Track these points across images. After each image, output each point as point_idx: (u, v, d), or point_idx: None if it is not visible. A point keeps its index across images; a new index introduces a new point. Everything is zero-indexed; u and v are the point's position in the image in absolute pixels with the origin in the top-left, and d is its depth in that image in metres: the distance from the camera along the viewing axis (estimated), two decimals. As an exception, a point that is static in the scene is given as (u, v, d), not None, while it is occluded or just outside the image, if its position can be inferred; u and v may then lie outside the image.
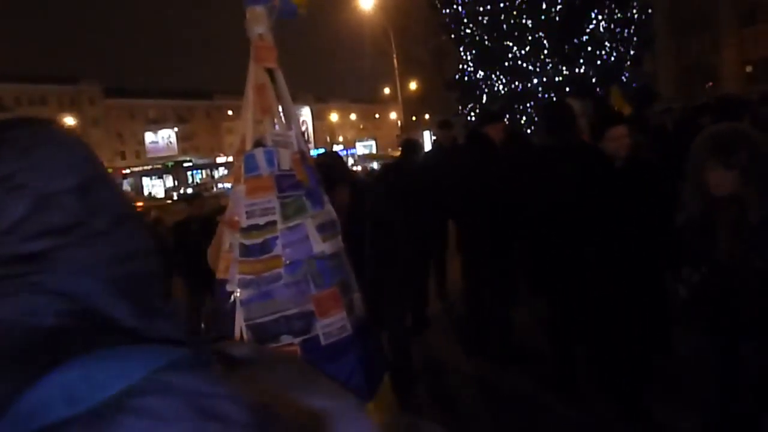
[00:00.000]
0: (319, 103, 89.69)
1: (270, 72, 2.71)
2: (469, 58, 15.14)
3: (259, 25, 2.70)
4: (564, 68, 13.48)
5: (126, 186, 64.48)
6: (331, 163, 3.86)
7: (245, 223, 2.56)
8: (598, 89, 12.92)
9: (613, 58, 13.50)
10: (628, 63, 13.66)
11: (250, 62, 2.70)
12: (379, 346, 2.76)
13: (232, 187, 2.77)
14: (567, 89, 13.11)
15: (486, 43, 14.45)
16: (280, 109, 2.74)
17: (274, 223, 2.54)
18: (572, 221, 3.76)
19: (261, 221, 2.55)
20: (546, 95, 13.42)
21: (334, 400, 0.82)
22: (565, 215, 3.79)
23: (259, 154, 2.59)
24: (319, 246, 2.57)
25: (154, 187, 68.62)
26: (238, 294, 2.51)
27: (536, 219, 3.98)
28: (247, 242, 2.54)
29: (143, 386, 0.57)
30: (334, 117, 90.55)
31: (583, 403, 3.95)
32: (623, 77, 13.38)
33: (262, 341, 2.44)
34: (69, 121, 63.33)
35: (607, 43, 13.53)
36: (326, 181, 2.97)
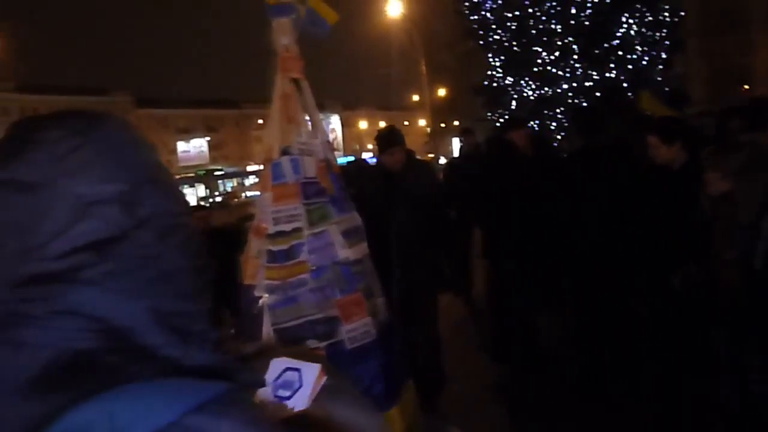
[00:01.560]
0: (348, 110, 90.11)
1: (296, 82, 2.77)
2: (497, 63, 15.07)
3: (284, 36, 2.76)
4: (594, 73, 13.34)
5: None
6: (358, 168, 3.95)
7: (272, 229, 2.62)
8: (629, 93, 12.75)
9: (644, 62, 13.32)
10: (660, 66, 13.46)
11: (276, 73, 2.77)
12: (403, 350, 2.78)
13: (259, 194, 2.83)
14: (597, 94, 12.96)
15: (514, 48, 14.37)
16: (306, 118, 2.80)
17: (299, 229, 2.59)
18: (603, 224, 3.74)
19: (287, 228, 2.60)
20: (576, 100, 13.29)
21: (359, 414, 0.83)
22: (595, 217, 3.78)
23: (286, 162, 2.65)
24: (344, 252, 2.61)
25: (187, 195, 69.57)
26: (265, 299, 2.57)
27: (565, 223, 3.98)
28: (274, 248, 2.60)
29: None
30: (362, 124, 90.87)
31: (609, 408, 3.91)
32: (655, 81, 13.20)
33: (288, 345, 2.49)
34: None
35: (637, 47, 13.35)
36: (353, 185, 3.03)
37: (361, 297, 2.60)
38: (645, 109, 6.80)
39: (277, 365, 0.83)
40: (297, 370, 0.81)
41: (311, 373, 0.80)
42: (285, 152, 2.72)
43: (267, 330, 2.52)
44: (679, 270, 3.35)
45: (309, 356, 0.89)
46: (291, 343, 2.48)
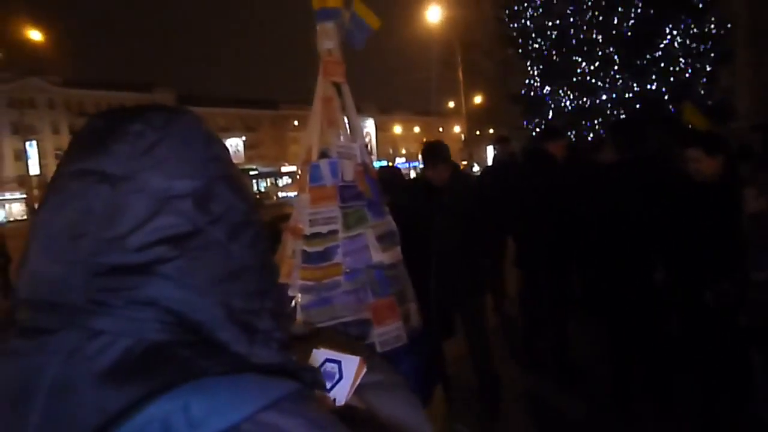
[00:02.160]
0: (383, 114, 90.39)
1: (337, 86, 2.80)
2: (535, 72, 14.97)
3: (328, 40, 2.79)
4: (635, 84, 13.15)
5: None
6: (391, 176, 3.98)
7: (308, 230, 2.65)
8: (670, 106, 12.54)
9: (687, 75, 13.08)
10: (704, 80, 13.20)
11: (318, 76, 2.80)
12: (433, 356, 2.79)
13: (296, 195, 2.86)
14: (637, 106, 12.77)
15: (554, 57, 14.26)
16: (346, 121, 2.82)
17: (335, 232, 2.61)
18: (637, 237, 3.70)
19: (323, 230, 2.62)
20: (615, 112, 13.12)
21: (406, 411, 0.83)
22: (631, 231, 3.73)
23: (324, 164, 2.68)
24: (378, 256, 2.63)
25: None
26: (298, 299, 2.59)
27: (600, 235, 3.94)
28: (309, 249, 2.63)
29: (248, 429, 0.56)
30: (397, 129, 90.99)
31: (639, 424, 3.85)
32: (698, 93, 12.95)
33: (320, 346, 2.51)
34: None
35: (681, 59, 13.12)
36: (386, 192, 3.04)
37: (393, 301, 2.61)
38: (688, 121, 6.68)
39: (318, 355, 0.85)
40: (338, 362, 0.82)
41: (351, 366, 0.81)
42: (324, 155, 2.74)
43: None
44: (713, 287, 3.30)
45: (353, 347, 0.89)
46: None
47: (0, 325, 0.68)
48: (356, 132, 2.85)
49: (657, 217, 3.64)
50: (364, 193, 2.71)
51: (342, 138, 2.77)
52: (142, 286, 0.63)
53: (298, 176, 2.92)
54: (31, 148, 62.89)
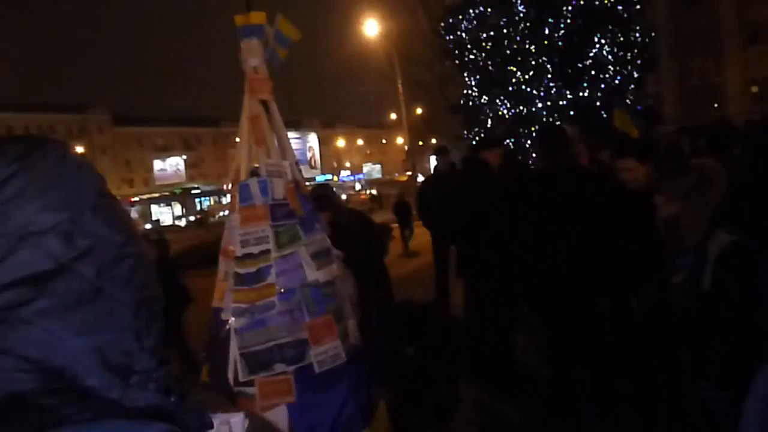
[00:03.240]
0: (326, 128, 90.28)
1: (265, 103, 2.76)
2: (473, 82, 15.25)
3: (253, 57, 2.76)
4: (568, 92, 13.55)
5: (134, 213, 64.89)
6: (323, 194, 3.98)
7: (240, 251, 2.59)
8: (602, 112, 12.96)
9: (616, 81, 13.56)
10: (632, 86, 13.72)
11: (245, 93, 2.75)
12: (374, 373, 2.76)
13: (227, 216, 2.80)
14: (571, 113, 13.16)
15: (489, 68, 14.56)
16: (275, 139, 2.78)
17: (267, 251, 2.57)
18: (566, 243, 3.76)
19: (255, 250, 2.57)
20: (550, 119, 13.48)
21: None
22: (559, 237, 3.80)
23: (253, 183, 2.63)
24: (313, 274, 2.59)
25: (163, 214, 69.01)
26: (232, 322, 2.53)
27: (532, 242, 3.99)
28: (242, 271, 2.57)
29: None
30: (341, 142, 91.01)
31: (583, 426, 3.91)
32: (627, 100, 13.44)
33: (256, 370, 2.45)
34: (77, 149, 64.05)
35: (610, 66, 13.59)
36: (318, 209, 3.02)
37: (330, 319, 2.58)
38: (618, 127, 6.89)
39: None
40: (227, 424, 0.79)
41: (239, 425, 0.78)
42: (254, 173, 2.70)
43: (234, 354, 2.48)
44: (637, 292, 3.39)
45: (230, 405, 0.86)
46: (259, 368, 2.44)
47: None
48: (286, 149, 2.82)
49: (585, 225, 3.71)
50: (296, 210, 2.67)
51: (272, 156, 2.73)
52: (1, 334, 0.58)
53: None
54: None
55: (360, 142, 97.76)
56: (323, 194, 3.90)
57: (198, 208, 68.50)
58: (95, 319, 0.62)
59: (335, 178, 77.79)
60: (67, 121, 72.68)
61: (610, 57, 13.57)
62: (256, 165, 2.71)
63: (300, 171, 2.85)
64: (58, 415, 0.55)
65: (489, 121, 14.83)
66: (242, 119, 2.75)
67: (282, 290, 2.52)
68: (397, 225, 13.35)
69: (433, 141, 35.94)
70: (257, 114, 2.71)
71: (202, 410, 0.66)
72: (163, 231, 20.32)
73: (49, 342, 0.59)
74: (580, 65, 13.51)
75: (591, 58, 13.51)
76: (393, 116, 48.10)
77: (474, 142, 14.61)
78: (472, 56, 14.76)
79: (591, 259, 3.74)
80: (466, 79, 15.34)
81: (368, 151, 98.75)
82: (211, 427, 0.63)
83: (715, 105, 32.44)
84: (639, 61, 13.77)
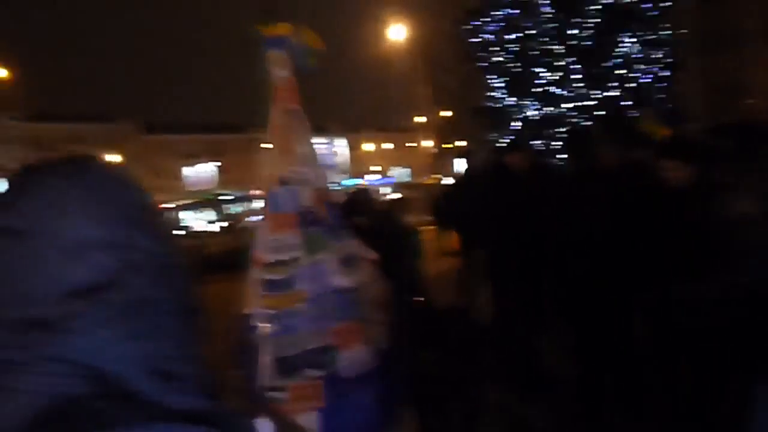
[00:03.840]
0: (354, 133, 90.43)
1: (291, 112, 2.81)
2: (498, 85, 15.19)
3: (279, 67, 2.81)
4: (594, 92, 13.42)
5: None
6: (359, 198, 4.02)
7: (270, 258, 2.64)
8: (630, 112, 12.81)
9: (643, 81, 13.40)
10: (659, 85, 13.54)
11: (272, 103, 2.81)
12: (400, 377, 2.78)
13: (257, 223, 2.86)
14: (598, 113, 13.03)
15: (515, 69, 14.50)
16: (302, 147, 2.83)
17: (296, 258, 2.61)
18: (594, 245, 3.75)
19: (285, 257, 2.62)
20: (577, 120, 13.37)
21: None
22: (587, 239, 3.78)
23: (282, 192, 2.69)
24: (341, 280, 2.63)
25: (192, 220, 69.95)
26: (262, 328, 2.58)
27: (559, 245, 3.98)
28: (272, 277, 2.62)
29: None
30: (368, 146, 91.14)
31: (610, 430, 3.87)
32: (654, 99, 13.27)
33: (286, 375, 2.50)
34: (110, 158, 65.29)
35: (637, 66, 13.44)
36: (350, 213, 3.07)
37: (358, 325, 2.61)
38: (644, 128, 6.82)
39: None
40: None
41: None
42: (282, 182, 2.75)
43: (264, 359, 2.53)
44: (691, 290, 3.32)
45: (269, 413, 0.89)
46: (289, 373, 2.49)
47: None
48: (312, 158, 2.86)
49: (620, 224, 3.68)
50: (324, 217, 2.72)
51: (299, 164, 2.78)
52: (54, 342, 0.63)
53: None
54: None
55: (387, 145, 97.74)
56: (359, 199, 3.95)
57: (226, 214, 69.27)
58: (142, 328, 0.67)
59: (363, 183, 77.89)
60: (98, 130, 74.08)
61: (636, 56, 13.43)
62: (284, 173, 2.76)
63: (326, 178, 2.89)
64: (108, 418, 0.59)
65: (515, 123, 14.76)
66: (269, 128, 2.80)
67: (311, 296, 2.57)
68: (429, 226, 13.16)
69: (458, 144, 35.87)
70: (284, 123, 2.77)
71: (243, 415, 0.71)
72: (200, 236, 20.53)
73: (99, 350, 0.64)
74: (606, 65, 13.38)
75: (617, 57, 13.38)
76: (419, 119, 48.08)
77: (498, 145, 14.59)
78: (497, 58, 14.72)
79: (620, 259, 3.71)
80: (491, 81, 15.29)
81: (396, 155, 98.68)
82: (251, 430, 0.66)
83: (748, 101, 31.74)
84: (666, 61, 13.59)
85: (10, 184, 0.72)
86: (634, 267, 3.73)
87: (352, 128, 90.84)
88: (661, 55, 13.58)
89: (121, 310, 0.66)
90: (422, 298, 4.65)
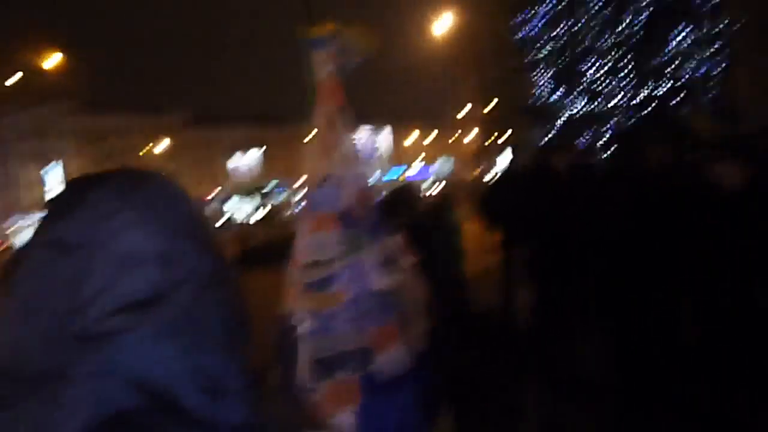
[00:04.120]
0: (396, 125, 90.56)
1: (336, 110, 2.81)
2: (544, 79, 14.98)
3: (324, 66, 2.81)
4: (643, 89, 13.09)
5: (209, 211, 67.05)
6: (402, 196, 4.00)
7: (308, 258, 2.65)
8: (680, 110, 12.46)
9: (694, 78, 13.00)
10: (711, 83, 13.11)
11: (316, 101, 2.81)
12: (438, 379, 2.77)
13: (298, 221, 2.87)
14: (646, 111, 12.71)
15: (562, 64, 14.26)
16: (345, 147, 2.83)
17: (335, 259, 2.61)
18: (640, 249, 3.66)
19: (323, 257, 2.63)
20: (624, 117, 13.07)
21: None
22: (634, 241, 3.70)
23: (323, 191, 2.69)
24: (379, 281, 2.62)
25: (236, 211, 70.97)
26: (301, 328, 2.59)
27: (603, 247, 3.90)
28: (310, 277, 2.63)
29: None
30: (410, 139, 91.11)
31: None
32: (706, 97, 12.86)
33: (323, 375, 2.51)
34: (158, 148, 66.85)
35: (690, 62, 13.04)
36: (393, 212, 3.06)
37: (396, 327, 2.60)
38: (696, 127, 6.62)
39: None
40: None
41: None
42: (323, 181, 2.75)
43: (303, 361, 2.55)
44: (743, 297, 3.22)
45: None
46: (326, 374, 2.50)
47: None
48: (355, 157, 2.86)
49: (676, 230, 3.57)
50: (364, 218, 2.71)
51: (341, 163, 2.78)
52: (108, 356, 0.63)
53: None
54: (48, 175, 63.95)
55: (429, 139, 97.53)
56: (403, 197, 3.94)
57: (269, 205, 70.02)
58: (191, 342, 0.67)
59: (405, 175, 77.93)
60: (149, 121, 76.01)
61: (688, 53, 13.02)
62: (326, 173, 2.76)
63: (367, 178, 2.89)
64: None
65: (559, 119, 14.52)
66: (314, 126, 2.81)
67: (349, 297, 2.57)
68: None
69: (503, 138, 35.53)
70: (328, 122, 2.77)
71: (291, 427, 0.70)
72: (246, 227, 20.91)
73: (150, 364, 0.64)
74: (656, 61, 13.02)
75: (668, 54, 13.00)
76: (464, 113, 47.77)
77: (543, 143, 14.38)
78: (544, 52, 14.49)
79: (670, 263, 3.62)
80: (538, 75, 15.08)
81: (437, 149, 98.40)
82: None
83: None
84: (718, 58, 13.15)
85: (61, 197, 0.73)
86: (684, 271, 3.64)
87: (395, 120, 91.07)
88: (714, 51, 13.14)
89: (171, 324, 0.67)
90: (463, 299, 4.61)
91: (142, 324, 0.65)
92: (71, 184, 0.74)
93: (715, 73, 13.07)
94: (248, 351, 0.75)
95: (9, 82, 36.60)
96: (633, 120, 12.54)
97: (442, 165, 78.12)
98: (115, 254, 0.66)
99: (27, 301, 0.66)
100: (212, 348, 0.69)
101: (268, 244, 15.45)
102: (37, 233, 0.70)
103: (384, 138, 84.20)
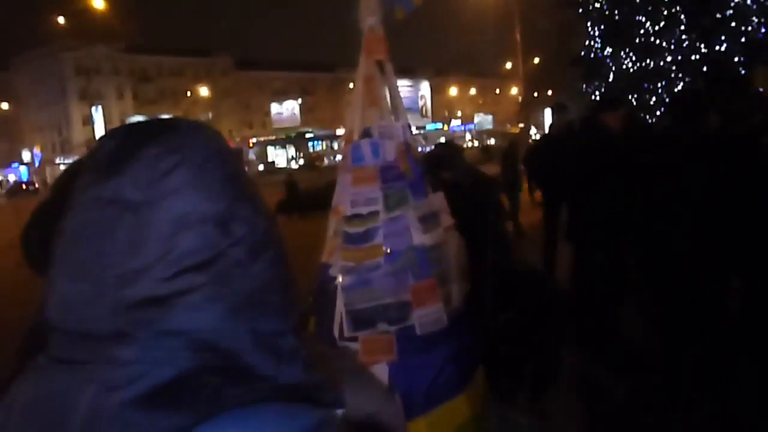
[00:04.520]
0: (439, 76, 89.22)
1: (380, 63, 2.75)
2: (596, 33, 14.39)
3: (370, 16, 2.74)
4: (702, 45, 12.48)
5: (252, 155, 67.80)
6: (446, 153, 3.94)
7: (349, 211, 2.65)
8: (741, 70, 11.86)
9: (761, 35, 12.29)
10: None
11: (361, 53, 2.76)
12: (475, 338, 2.77)
13: (339, 175, 2.85)
14: (704, 69, 12.15)
15: (615, 17, 13.66)
16: (388, 100, 2.79)
17: (376, 213, 2.61)
18: (688, 216, 3.55)
19: (364, 211, 2.62)
20: (680, 75, 12.53)
21: (382, 405, 0.84)
22: (681, 209, 3.58)
23: (365, 145, 2.66)
24: (420, 237, 2.61)
25: (278, 156, 71.61)
26: (339, 280, 2.61)
27: (652, 213, 3.79)
28: (350, 230, 2.63)
29: None
30: (453, 91, 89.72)
31: (689, 412, 3.73)
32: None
33: (360, 327, 2.53)
34: (203, 91, 67.39)
35: (754, 17, 12.33)
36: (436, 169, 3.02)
37: (434, 283, 2.60)
38: (760, 87, 6.29)
39: None
40: None
41: None
42: (365, 134, 2.72)
43: (340, 309, 2.57)
44: None
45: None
46: (363, 325, 2.52)
47: (31, 349, 0.70)
48: (399, 111, 2.81)
49: (734, 200, 3.43)
50: (406, 173, 2.68)
51: (384, 117, 2.74)
52: (170, 317, 0.63)
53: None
54: (97, 113, 65.29)
55: (473, 91, 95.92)
56: (446, 153, 3.87)
57: (310, 151, 70.37)
58: (251, 302, 0.67)
59: (446, 128, 77.11)
60: (195, 64, 76.67)
61: (754, 6, 12.30)
62: (368, 126, 2.73)
63: (411, 132, 2.84)
64: (226, 393, 0.61)
65: (611, 75, 14.01)
66: (357, 79, 2.76)
67: (388, 252, 2.56)
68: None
69: (549, 93, 34.64)
70: (372, 74, 2.72)
71: (338, 386, 0.71)
72: (293, 173, 21.11)
73: (211, 324, 0.64)
74: (718, 15, 12.35)
75: (732, 7, 12.30)
76: (508, 66, 46.58)
77: (594, 98, 13.93)
78: (597, 4, 13.90)
79: (723, 235, 3.50)
80: (589, 28, 14.50)
81: (480, 101, 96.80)
82: (344, 405, 0.67)
83: None
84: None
85: (109, 151, 0.70)
86: (737, 244, 3.51)
87: (439, 72, 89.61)
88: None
89: (228, 283, 0.66)
90: (504, 259, 4.56)
91: (202, 285, 0.64)
92: (122, 136, 0.70)
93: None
94: (297, 309, 0.75)
95: (61, 21, 37.17)
96: (689, 79, 12.02)
97: (482, 120, 77.03)
98: (175, 214, 0.65)
99: (86, 260, 0.65)
100: (269, 307, 0.69)
101: (313, 191, 15.56)
102: (85, 188, 0.68)
103: (425, 91, 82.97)
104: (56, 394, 0.63)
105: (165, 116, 0.76)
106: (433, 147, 4.96)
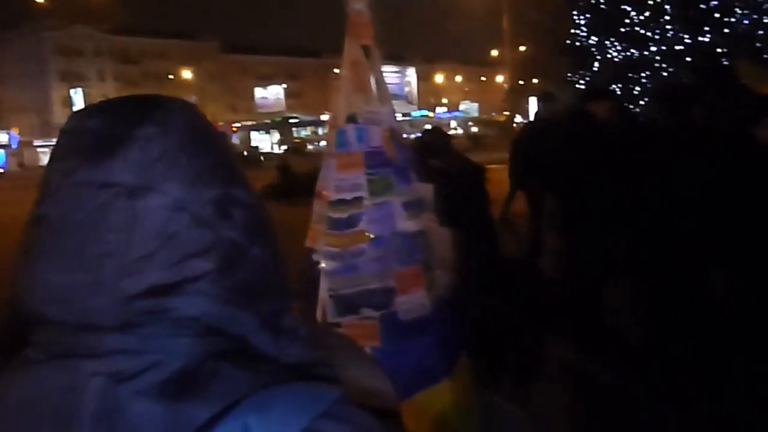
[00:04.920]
0: (426, 63, 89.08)
1: (365, 48, 2.73)
2: (582, 22, 14.42)
3: (356, 0, 2.71)
4: (686, 36, 12.54)
5: (236, 140, 67.34)
6: (433, 139, 3.93)
7: (333, 196, 2.63)
8: (724, 61, 11.94)
9: (744, 26, 12.38)
10: (761, 31, 12.49)
11: (346, 38, 2.73)
12: (459, 325, 2.77)
13: (323, 160, 2.84)
14: (689, 59, 12.22)
15: (601, 6, 13.69)
16: (374, 86, 2.76)
17: (360, 198, 2.59)
18: (680, 210, 3.58)
19: (348, 196, 2.60)
20: (664, 65, 12.60)
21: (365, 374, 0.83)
22: (681, 204, 3.61)
23: (350, 130, 2.64)
24: (404, 223, 2.60)
25: (262, 141, 71.14)
26: (323, 265, 2.60)
27: (641, 204, 3.82)
28: (335, 215, 2.62)
29: None
30: (439, 78, 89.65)
31: (675, 401, 3.76)
32: (756, 47, 12.27)
33: (344, 312, 2.53)
34: (187, 74, 66.73)
35: (738, 9, 12.40)
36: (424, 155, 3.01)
37: (419, 269, 2.59)
38: (743, 79, 6.33)
39: None
40: None
41: None
42: (351, 119, 2.70)
43: (323, 295, 2.57)
44: None
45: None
46: (346, 310, 2.52)
47: (5, 346, 0.66)
48: (384, 96, 2.79)
49: (723, 192, 3.46)
50: (391, 159, 2.67)
51: (370, 103, 2.72)
52: (177, 305, 0.62)
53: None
54: (77, 96, 64.39)
55: (459, 78, 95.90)
56: (435, 141, 3.86)
57: (295, 137, 69.97)
58: (252, 283, 0.67)
59: (431, 115, 77.09)
60: (179, 46, 75.83)
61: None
62: (354, 111, 2.71)
63: (396, 118, 2.82)
64: (241, 377, 0.60)
65: (596, 65, 14.05)
66: (342, 64, 2.73)
67: (373, 237, 2.56)
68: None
69: (534, 81, 34.68)
70: (357, 59, 2.69)
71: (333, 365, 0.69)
72: (286, 158, 21.01)
73: (218, 308, 0.63)
74: (703, 6, 12.41)
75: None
76: (495, 53, 46.55)
77: (579, 87, 13.97)
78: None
79: (711, 227, 3.52)
80: (576, 18, 14.51)
81: (467, 89, 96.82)
82: (339, 381, 0.66)
83: None
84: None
85: (93, 130, 0.66)
86: (725, 237, 3.53)
87: (425, 59, 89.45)
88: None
89: (231, 267, 0.65)
90: (490, 247, 4.58)
91: (210, 269, 0.63)
92: (106, 115, 0.67)
93: (766, 21, 12.40)
94: (291, 289, 0.75)
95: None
96: (673, 69, 12.09)
97: (468, 107, 77.15)
98: (173, 198, 0.63)
99: (81, 249, 0.62)
100: (268, 288, 0.68)
101: (300, 176, 15.56)
102: (70, 172, 0.64)
103: (411, 78, 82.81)
104: (58, 390, 0.61)
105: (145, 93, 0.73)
106: (420, 134, 4.95)
